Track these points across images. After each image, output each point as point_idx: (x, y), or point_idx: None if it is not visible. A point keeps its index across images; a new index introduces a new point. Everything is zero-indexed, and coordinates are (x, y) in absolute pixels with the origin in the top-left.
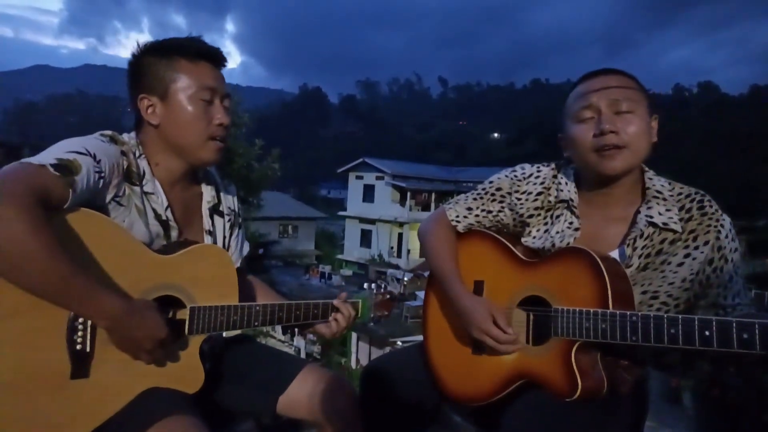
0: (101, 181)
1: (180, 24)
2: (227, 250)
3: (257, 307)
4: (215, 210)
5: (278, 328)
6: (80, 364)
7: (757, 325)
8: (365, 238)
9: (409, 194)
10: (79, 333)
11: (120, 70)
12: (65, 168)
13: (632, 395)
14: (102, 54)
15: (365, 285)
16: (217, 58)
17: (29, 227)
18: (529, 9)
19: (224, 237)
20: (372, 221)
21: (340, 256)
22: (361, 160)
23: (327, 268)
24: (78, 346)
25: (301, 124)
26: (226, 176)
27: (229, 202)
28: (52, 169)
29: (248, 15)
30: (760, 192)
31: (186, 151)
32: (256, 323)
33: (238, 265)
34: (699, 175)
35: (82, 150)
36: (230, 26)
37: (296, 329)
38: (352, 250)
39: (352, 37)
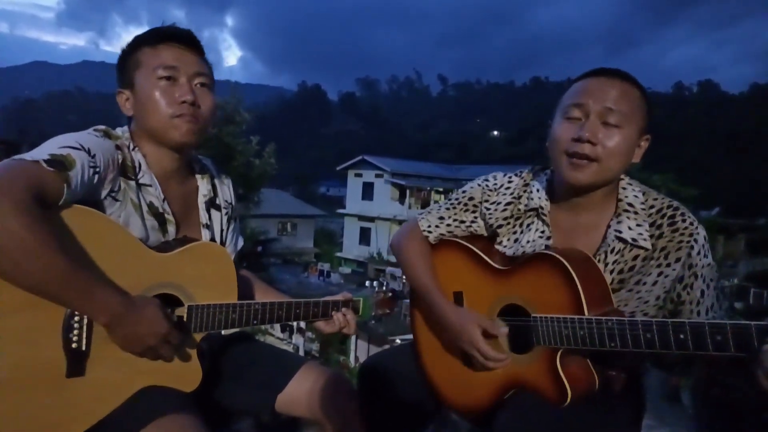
0: (96, 176)
1: (180, 18)
2: (224, 244)
3: (256, 306)
4: (212, 204)
5: (277, 325)
6: (76, 362)
7: (728, 327)
8: (364, 236)
9: (408, 192)
10: (75, 332)
11: None
12: (59, 163)
13: (628, 392)
14: (101, 50)
15: (366, 283)
16: (181, 38)
17: (28, 224)
18: (530, 7)
19: (221, 230)
20: (371, 219)
21: (339, 254)
22: (360, 157)
23: (326, 266)
24: (74, 345)
25: (301, 121)
26: (225, 172)
27: (226, 194)
28: (45, 165)
29: (248, 10)
30: (760, 190)
31: (157, 135)
32: (255, 321)
33: (232, 258)
34: (699, 173)
35: (75, 145)
36: (230, 21)
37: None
38: (351, 248)
39: (352, 34)
